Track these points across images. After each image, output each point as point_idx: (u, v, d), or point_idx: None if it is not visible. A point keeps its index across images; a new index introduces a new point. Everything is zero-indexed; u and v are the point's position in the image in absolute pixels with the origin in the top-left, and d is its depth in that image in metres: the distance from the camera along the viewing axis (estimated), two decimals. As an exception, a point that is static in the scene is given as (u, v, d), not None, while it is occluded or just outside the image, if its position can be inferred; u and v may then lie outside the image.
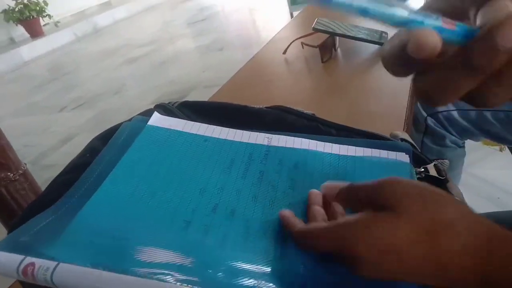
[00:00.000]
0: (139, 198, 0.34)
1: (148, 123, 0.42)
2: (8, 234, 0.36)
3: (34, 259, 0.26)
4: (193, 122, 0.44)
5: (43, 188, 0.95)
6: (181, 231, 0.31)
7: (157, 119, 0.43)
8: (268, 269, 0.29)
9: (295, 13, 3.50)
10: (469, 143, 0.87)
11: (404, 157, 0.40)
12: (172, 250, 0.29)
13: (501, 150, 1.24)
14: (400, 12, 0.20)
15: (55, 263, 0.26)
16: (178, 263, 0.28)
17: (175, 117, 0.48)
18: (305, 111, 0.47)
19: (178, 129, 0.42)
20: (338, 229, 0.26)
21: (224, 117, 0.47)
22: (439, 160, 0.43)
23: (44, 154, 2.51)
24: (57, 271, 0.25)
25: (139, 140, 0.40)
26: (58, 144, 2.62)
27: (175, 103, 0.51)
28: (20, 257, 0.26)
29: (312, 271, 0.29)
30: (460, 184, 0.89)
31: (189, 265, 0.28)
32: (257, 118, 0.47)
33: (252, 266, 0.29)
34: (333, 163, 0.38)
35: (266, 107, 0.48)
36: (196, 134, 0.42)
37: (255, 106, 0.49)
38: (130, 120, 0.45)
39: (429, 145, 0.78)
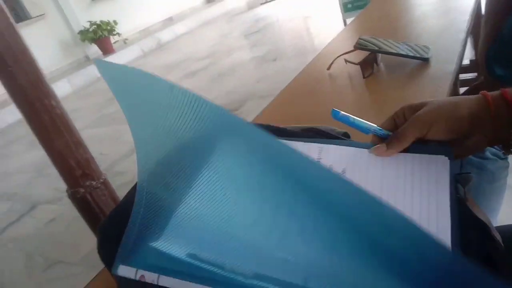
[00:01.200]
0: (213, 205, 0.42)
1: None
2: (98, 232, 0.47)
3: (143, 272, 0.37)
4: None
5: (118, 193, 1.10)
6: (249, 228, 0.39)
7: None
8: (323, 262, 0.35)
9: (348, 20, 3.51)
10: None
11: (443, 161, 0.42)
12: (240, 249, 0.37)
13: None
14: (371, 126, 0.47)
15: (157, 275, 0.37)
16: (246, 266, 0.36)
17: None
18: (335, 131, 0.54)
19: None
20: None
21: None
22: (462, 174, 0.44)
23: (116, 162, 2.78)
24: (160, 280, 0.36)
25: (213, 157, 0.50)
26: (128, 152, 2.87)
27: (225, 124, 0.60)
28: (134, 270, 0.38)
29: (361, 265, 0.34)
30: (506, 195, 0.88)
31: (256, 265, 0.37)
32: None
33: (305, 258, 0.36)
34: (376, 172, 0.43)
35: (301, 130, 0.55)
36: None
37: (293, 128, 0.57)
38: None
39: (470, 157, 0.79)
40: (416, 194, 0.40)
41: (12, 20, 0.67)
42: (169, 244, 0.40)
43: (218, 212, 0.37)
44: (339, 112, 0.48)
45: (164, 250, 0.39)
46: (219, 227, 0.37)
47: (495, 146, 0.78)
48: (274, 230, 0.37)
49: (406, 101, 0.47)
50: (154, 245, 0.40)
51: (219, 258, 0.38)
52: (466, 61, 1.71)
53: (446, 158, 0.43)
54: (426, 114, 0.43)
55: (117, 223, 0.46)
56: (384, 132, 0.46)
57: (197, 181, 0.37)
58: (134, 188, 0.50)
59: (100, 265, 0.58)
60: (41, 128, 0.76)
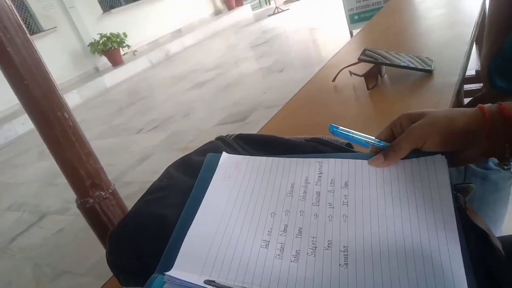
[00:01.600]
0: (224, 227, 0.42)
1: (219, 163, 0.51)
2: (109, 240, 0.49)
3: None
4: (255, 157, 0.52)
5: (125, 203, 1.11)
6: (263, 250, 0.39)
7: (225, 158, 0.53)
8: (336, 277, 0.36)
9: (355, 31, 3.54)
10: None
11: (440, 159, 0.44)
12: (257, 271, 0.37)
13: None
14: (369, 139, 0.47)
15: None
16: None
17: (232, 148, 0.58)
18: (339, 142, 0.55)
19: (244, 165, 0.51)
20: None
21: (271, 148, 0.57)
22: (463, 184, 0.44)
23: (123, 172, 2.81)
24: None
25: (214, 179, 0.49)
26: (135, 163, 2.90)
27: (231, 135, 0.62)
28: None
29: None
30: (510, 204, 0.88)
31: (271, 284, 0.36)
32: (298, 150, 0.55)
33: (321, 275, 0.36)
34: (378, 181, 0.44)
35: (305, 140, 0.56)
36: (259, 169, 0.50)
37: (297, 139, 0.58)
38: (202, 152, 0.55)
39: (473, 168, 0.80)
40: (419, 198, 0.41)
41: (28, 35, 0.69)
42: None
43: None
44: (338, 127, 0.48)
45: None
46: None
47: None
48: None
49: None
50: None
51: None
52: (471, 72, 1.72)
53: (443, 156, 0.44)
54: (421, 128, 0.44)
55: (127, 232, 0.47)
56: (383, 144, 0.47)
57: None
58: (141, 200, 0.51)
59: (107, 276, 0.58)
60: (53, 139, 0.78)
